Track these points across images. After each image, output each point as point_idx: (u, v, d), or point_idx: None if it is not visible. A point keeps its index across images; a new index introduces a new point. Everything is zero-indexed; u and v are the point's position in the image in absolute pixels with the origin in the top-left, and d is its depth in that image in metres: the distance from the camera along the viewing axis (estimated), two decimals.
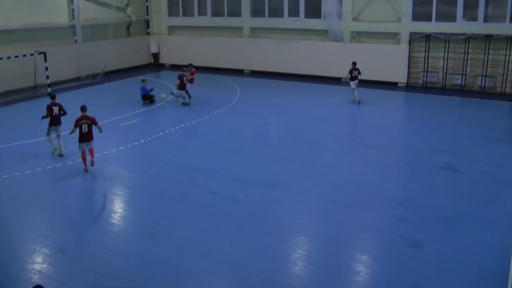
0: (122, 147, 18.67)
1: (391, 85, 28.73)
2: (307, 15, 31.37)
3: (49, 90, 27.74)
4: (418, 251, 11.09)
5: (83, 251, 11.48)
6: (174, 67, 36.09)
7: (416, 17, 28.22)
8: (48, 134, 18.14)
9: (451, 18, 27.24)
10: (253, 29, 33.50)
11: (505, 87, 26.16)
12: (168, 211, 13.38)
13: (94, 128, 16.47)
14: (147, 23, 38.28)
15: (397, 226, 12.25)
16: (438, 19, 27.59)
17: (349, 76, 24.62)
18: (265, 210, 13.30)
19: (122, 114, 23.25)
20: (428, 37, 27.67)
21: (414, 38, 28.09)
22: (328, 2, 29.83)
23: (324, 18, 30.39)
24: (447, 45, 27.23)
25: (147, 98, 25.27)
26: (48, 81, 28.00)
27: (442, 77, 27.84)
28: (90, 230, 12.50)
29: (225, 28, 34.62)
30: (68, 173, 16.38)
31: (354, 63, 24.77)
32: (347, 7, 29.76)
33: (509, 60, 25.89)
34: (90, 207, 14.04)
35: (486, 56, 26.36)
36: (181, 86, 24.45)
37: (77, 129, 16.27)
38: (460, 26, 26.96)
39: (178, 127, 21.15)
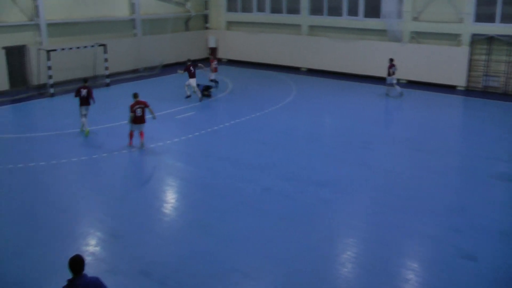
0: (177, 139, 18.99)
1: (449, 88, 28.02)
2: (366, 14, 30.98)
3: (108, 80, 28.51)
4: (471, 263, 10.74)
5: (135, 238, 11.79)
6: (231, 62, 36.38)
7: (479, 18, 27.31)
8: (81, 115, 19.71)
9: None
10: (311, 27, 33.34)
11: None
12: (219, 205, 13.54)
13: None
14: (205, 18, 38.69)
15: (449, 235, 11.95)
16: (503, 20, 26.63)
17: (389, 72, 25.79)
18: (316, 209, 13.28)
19: (178, 106, 23.63)
20: (490, 39, 26.83)
21: (475, 40, 27.28)
22: (388, 1, 29.37)
23: (383, 17, 29.92)
24: (510, 48, 26.35)
25: (205, 90, 25.74)
26: (107, 72, 28.73)
27: (504, 81, 26.95)
28: (143, 218, 12.79)
29: (283, 25, 34.59)
30: (126, 162, 16.85)
31: (391, 60, 25.85)
32: (408, 6, 29.15)
33: None
34: (144, 196, 14.33)
35: None
36: (193, 75, 24.75)
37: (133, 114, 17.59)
38: None
39: (232, 122, 21.33)
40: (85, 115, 19.64)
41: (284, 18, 34.39)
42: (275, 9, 34.85)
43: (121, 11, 32.59)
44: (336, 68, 32.06)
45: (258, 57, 35.15)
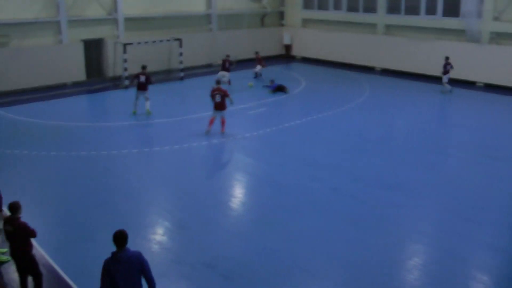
0: (248, 135, 19.09)
1: None
2: (444, 13, 29.94)
3: (182, 74, 29.03)
4: None
5: (201, 230, 11.94)
6: (305, 60, 36.22)
7: None
8: (136, 98, 21.48)
9: None
10: (387, 26, 32.65)
11: None
12: (286, 202, 13.49)
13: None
14: (281, 15, 38.67)
15: None
16: None
17: (444, 71, 26.28)
18: (384, 212, 12.96)
19: (250, 102, 23.76)
20: None
21: None
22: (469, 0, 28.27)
23: (462, 16, 28.79)
24: None
25: (279, 89, 25.89)
26: (181, 66, 29.25)
27: None
28: (211, 211, 12.92)
29: (359, 24, 34.03)
30: (196, 155, 17.10)
31: (447, 58, 26.29)
32: (489, 5, 27.84)
33: None
34: (213, 189, 14.46)
35: None
36: (225, 70, 27.13)
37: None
38: None
39: (304, 120, 21.22)
40: (146, 98, 21.32)
41: (360, 16, 33.85)
42: (352, 8, 34.34)
43: (198, 6, 33.10)
44: (411, 69, 31.19)
45: (332, 55, 34.81)
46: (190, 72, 30.47)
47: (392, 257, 10.89)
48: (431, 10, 30.39)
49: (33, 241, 9.28)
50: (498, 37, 28.05)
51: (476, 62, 28.14)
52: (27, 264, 8.97)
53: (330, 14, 35.44)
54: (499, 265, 10.83)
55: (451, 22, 29.46)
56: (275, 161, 16.64)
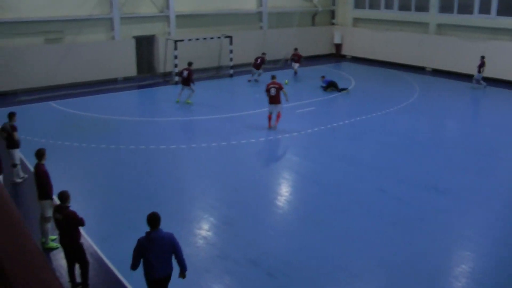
0: (295, 133, 19.06)
1: None
2: (499, 12, 29.06)
3: (231, 71, 29.21)
4: None
5: (247, 227, 12.02)
6: (355, 59, 35.88)
7: None
8: (181, 89, 22.89)
9: None
10: (439, 25, 31.98)
11: None
12: (332, 202, 13.42)
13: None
14: (332, 14, 38.43)
15: None
16: None
17: (480, 70, 26.61)
18: (431, 216, 12.70)
19: (299, 101, 23.69)
20: None
21: None
22: None
23: None
24: None
25: (331, 85, 25.84)
26: (231, 63, 29.43)
27: None
28: (256, 209, 12.99)
29: (410, 23, 33.49)
30: (243, 152, 17.20)
31: (482, 57, 26.61)
32: None
33: None
34: (259, 187, 14.51)
35: None
36: (255, 66, 28.12)
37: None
38: None
39: (352, 120, 21.05)
40: (191, 91, 22.61)
41: (411, 15, 33.29)
42: (403, 6, 33.82)
43: (249, 4, 33.26)
44: (463, 70, 30.39)
45: (382, 55, 34.38)
46: (240, 69, 30.62)
47: (439, 262, 10.67)
48: (485, 9, 29.54)
49: (81, 230, 9.59)
50: None
51: None
52: (75, 252, 9.25)
53: (381, 13, 34.99)
54: None
55: (506, 22, 28.58)
56: (322, 161, 16.57)
